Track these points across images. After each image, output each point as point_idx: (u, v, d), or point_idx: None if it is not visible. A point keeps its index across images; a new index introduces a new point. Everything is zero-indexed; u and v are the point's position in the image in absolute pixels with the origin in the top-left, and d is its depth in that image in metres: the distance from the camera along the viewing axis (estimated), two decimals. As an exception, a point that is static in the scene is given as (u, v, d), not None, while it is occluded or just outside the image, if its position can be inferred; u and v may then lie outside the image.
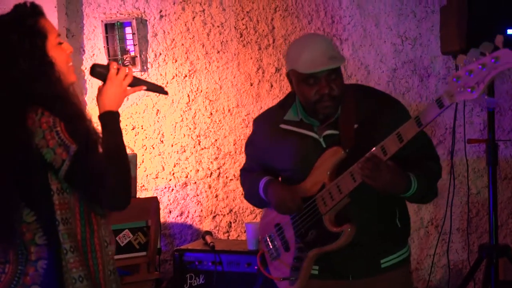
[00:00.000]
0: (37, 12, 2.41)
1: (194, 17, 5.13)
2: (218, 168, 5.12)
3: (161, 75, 5.18)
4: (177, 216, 5.20)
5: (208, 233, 4.81)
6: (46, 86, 2.32)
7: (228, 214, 5.11)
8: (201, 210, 5.16)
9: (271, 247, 3.07)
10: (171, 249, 5.12)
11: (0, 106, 2.29)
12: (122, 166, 2.38)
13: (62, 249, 2.29)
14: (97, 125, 2.42)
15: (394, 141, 2.63)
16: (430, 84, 4.68)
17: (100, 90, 2.50)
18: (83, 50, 5.32)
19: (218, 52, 5.10)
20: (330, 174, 2.81)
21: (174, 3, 5.15)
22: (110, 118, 2.45)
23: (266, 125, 3.05)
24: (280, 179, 3.05)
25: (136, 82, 2.56)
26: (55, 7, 5.19)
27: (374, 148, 2.67)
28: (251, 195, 3.13)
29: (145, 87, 2.60)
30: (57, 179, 2.29)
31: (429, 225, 4.72)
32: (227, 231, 5.11)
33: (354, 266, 2.89)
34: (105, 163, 2.32)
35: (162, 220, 5.04)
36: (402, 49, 4.74)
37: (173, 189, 5.20)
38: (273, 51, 4.97)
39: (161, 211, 4.92)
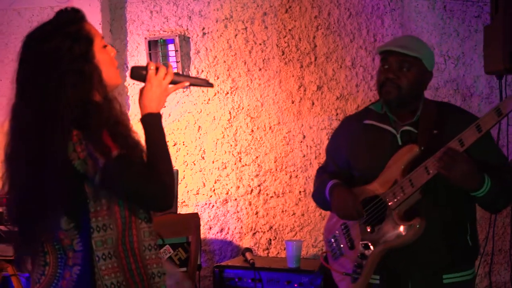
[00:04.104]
0: (79, 17, 2.39)
1: (237, 35, 5.16)
2: (259, 185, 5.13)
3: (202, 91, 5.21)
4: (217, 233, 5.21)
5: (248, 250, 4.81)
6: (88, 93, 2.31)
7: (268, 231, 5.11)
8: (241, 227, 5.16)
9: (334, 246, 3.10)
10: (211, 265, 5.13)
11: (50, 119, 2.27)
12: (165, 167, 2.35)
13: (94, 256, 2.30)
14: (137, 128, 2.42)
15: (472, 131, 2.70)
16: (473, 104, 4.64)
17: (141, 92, 2.45)
18: (127, 67, 5.37)
19: (260, 69, 5.12)
20: (403, 170, 2.87)
21: (216, 21, 5.19)
22: (151, 120, 2.41)
23: (350, 122, 3.19)
24: (352, 178, 3.09)
25: (178, 79, 2.51)
26: (100, 24, 5.27)
27: (450, 142, 2.73)
28: (318, 195, 3.19)
29: (187, 83, 2.54)
30: (93, 187, 2.28)
31: (471, 246, 4.67)
32: (267, 248, 5.11)
33: (415, 275, 2.89)
34: (145, 167, 2.31)
35: (202, 236, 5.06)
36: (444, 68, 4.71)
37: (213, 206, 5.22)
38: (315, 69, 4.98)
39: (201, 227, 4.94)
